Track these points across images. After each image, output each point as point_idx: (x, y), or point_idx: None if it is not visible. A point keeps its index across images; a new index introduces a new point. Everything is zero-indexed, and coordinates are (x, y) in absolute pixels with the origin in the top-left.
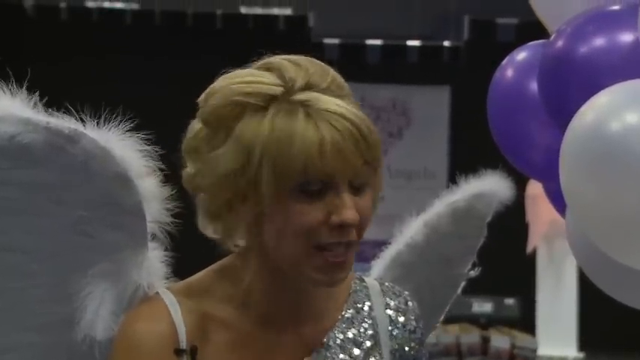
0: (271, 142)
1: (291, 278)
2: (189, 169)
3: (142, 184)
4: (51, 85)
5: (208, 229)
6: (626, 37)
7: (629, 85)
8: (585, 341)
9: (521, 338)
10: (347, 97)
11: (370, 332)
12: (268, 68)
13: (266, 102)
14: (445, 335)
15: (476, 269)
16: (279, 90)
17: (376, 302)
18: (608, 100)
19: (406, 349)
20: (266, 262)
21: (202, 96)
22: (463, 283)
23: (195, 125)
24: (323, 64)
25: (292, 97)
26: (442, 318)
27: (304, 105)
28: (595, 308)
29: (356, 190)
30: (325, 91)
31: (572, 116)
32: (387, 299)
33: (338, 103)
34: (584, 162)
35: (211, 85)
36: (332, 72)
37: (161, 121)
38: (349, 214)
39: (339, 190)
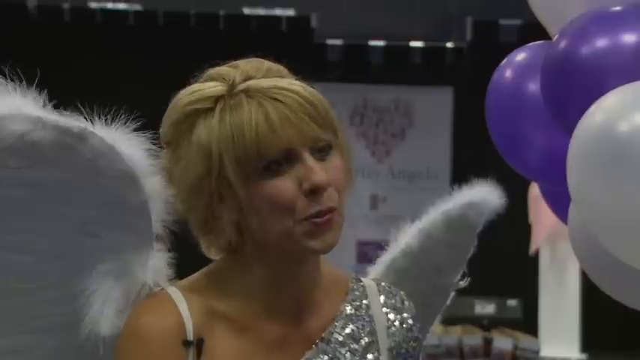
0: (224, 136)
1: (288, 271)
2: (172, 198)
3: (147, 183)
4: (53, 85)
5: (210, 250)
6: (630, 38)
7: (637, 85)
8: (588, 342)
9: (524, 339)
10: (287, 77)
11: (368, 329)
12: (210, 78)
13: (213, 103)
14: (447, 336)
15: (465, 279)
16: (222, 89)
17: (373, 301)
18: (617, 101)
19: (403, 346)
20: (261, 256)
21: (162, 123)
22: (452, 294)
23: (163, 153)
24: (259, 59)
25: (234, 91)
26: (430, 328)
27: (245, 91)
28: (597, 310)
29: (321, 155)
30: (264, 77)
31: (575, 117)
32: (384, 298)
33: (278, 79)
34: (593, 163)
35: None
36: (267, 62)
37: (160, 122)
38: (317, 176)
39: (302, 158)
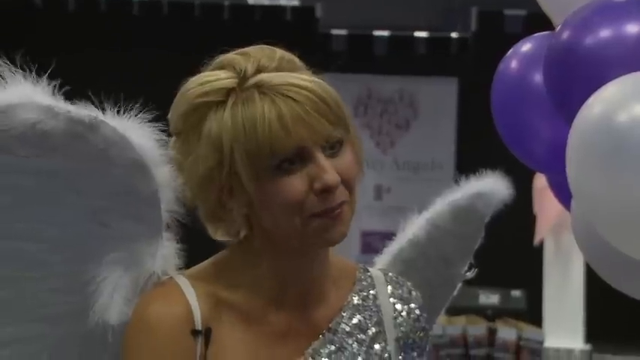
0: (236, 131)
1: (297, 264)
2: (182, 187)
3: (158, 172)
4: (58, 75)
5: (217, 234)
6: (633, 29)
7: (637, 76)
8: (592, 333)
9: (528, 330)
10: (299, 69)
11: (375, 319)
12: (221, 66)
13: (224, 96)
14: (451, 327)
15: (472, 270)
16: (233, 82)
17: (380, 291)
18: (616, 92)
19: (410, 337)
20: (271, 247)
21: (170, 111)
22: (459, 285)
23: (172, 140)
24: (270, 47)
25: (246, 84)
26: (436, 319)
27: (257, 86)
28: (602, 300)
29: (332, 151)
30: (276, 69)
31: (577, 108)
32: (391, 288)
33: (291, 75)
34: (592, 154)
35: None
36: (279, 51)
37: (167, 111)
38: (329, 176)
39: (314, 157)
